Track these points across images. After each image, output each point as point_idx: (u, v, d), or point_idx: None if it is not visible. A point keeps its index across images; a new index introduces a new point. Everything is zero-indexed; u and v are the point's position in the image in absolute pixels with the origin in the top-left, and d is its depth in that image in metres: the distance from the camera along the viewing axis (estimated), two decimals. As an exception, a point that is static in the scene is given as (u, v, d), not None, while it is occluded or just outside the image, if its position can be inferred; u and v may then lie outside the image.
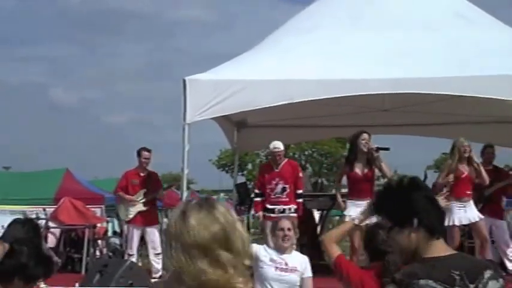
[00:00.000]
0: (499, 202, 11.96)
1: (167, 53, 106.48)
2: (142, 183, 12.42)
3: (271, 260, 6.92)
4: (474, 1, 12.39)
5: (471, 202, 10.64)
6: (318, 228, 13.99)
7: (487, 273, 2.82)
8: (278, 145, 11.27)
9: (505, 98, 10.59)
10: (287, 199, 10.92)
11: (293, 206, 10.96)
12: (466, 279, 2.78)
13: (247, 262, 2.54)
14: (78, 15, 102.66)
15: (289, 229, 7.00)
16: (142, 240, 12.81)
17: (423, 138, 17.80)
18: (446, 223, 10.37)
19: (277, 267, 6.90)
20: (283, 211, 10.77)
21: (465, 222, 10.52)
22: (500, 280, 2.87)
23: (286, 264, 6.95)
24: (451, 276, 2.77)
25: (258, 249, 7.01)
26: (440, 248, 2.89)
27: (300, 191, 11.24)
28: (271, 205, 10.88)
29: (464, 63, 10.24)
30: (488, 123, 14.44)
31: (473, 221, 10.53)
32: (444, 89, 10.02)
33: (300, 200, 11.19)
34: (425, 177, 13.34)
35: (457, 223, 10.45)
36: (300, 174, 11.45)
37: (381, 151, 10.32)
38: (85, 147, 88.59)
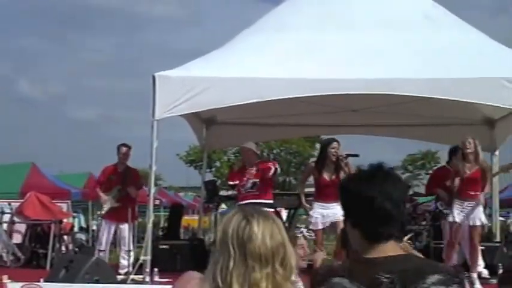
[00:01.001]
0: None
1: (136, 48, 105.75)
2: (119, 179, 12.34)
3: None
4: (439, 2, 12.49)
5: (477, 204, 10.36)
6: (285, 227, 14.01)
7: (432, 278, 2.53)
8: (247, 146, 11.19)
9: (472, 101, 10.70)
10: (257, 193, 10.83)
11: (264, 201, 10.74)
12: (398, 283, 2.51)
13: (293, 278, 2.53)
14: (47, 9, 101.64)
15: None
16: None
17: (391, 139, 17.94)
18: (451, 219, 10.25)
19: None
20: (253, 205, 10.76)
21: (458, 220, 10.36)
22: (454, 286, 2.54)
23: None
24: (376, 279, 2.52)
25: None
26: (383, 250, 2.63)
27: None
28: (242, 201, 10.79)
29: (432, 65, 10.34)
30: (455, 125, 14.57)
31: (470, 224, 10.34)
32: (412, 90, 10.10)
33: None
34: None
35: (450, 219, 10.44)
36: (270, 173, 11.23)
37: (350, 157, 10.40)
38: (51, 141, 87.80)
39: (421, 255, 2.99)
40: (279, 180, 49.03)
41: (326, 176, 10.37)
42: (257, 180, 10.83)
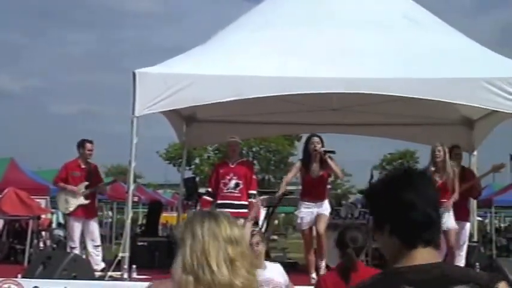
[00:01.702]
0: (465, 204, 11.81)
1: (116, 43, 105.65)
2: (84, 175, 12.21)
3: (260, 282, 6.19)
4: (419, 2, 12.56)
5: (447, 210, 10.35)
6: (264, 225, 14.04)
7: None
8: (234, 137, 11.20)
9: (451, 101, 10.76)
10: (239, 194, 10.78)
11: (244, 203, 10.82)
12: None
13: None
14: (25, 3, 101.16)
15: (257, 243, 6.26)
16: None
17: (370, 138, 18.01)
18: None
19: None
20: (233, 206, 10.70)
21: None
22: None
23: (267, 281, 6.19)
24: None
25: None
26: (417, 257, 2.53)
27: (253, 192, 11.08)
28: (223, 200, 10.76)
29: (412, 65, 10.38)
30: (433, 124, 14.68)
31: (444, 228, 10.16)
32: (392, 90, 10.14)
33: (254, 200, 10.99)
34: (372, 177, 13.45)
35: None
36: (254, 176, 11.30)
37: (328, 154, 10.36)
38: (30, 136, 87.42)
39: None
40: (258, 178, 49.09)
41: (312, 173, 10.33)
42: (240, 181, 10.84)
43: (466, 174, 11.69)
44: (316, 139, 10.36)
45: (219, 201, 10.75)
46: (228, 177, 10.86)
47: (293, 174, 10.99)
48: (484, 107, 10.88)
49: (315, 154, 10.25)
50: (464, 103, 10.86)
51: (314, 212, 10.21)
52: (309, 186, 10.39)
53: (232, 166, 10.98)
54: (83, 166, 12.24)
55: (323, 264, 10.18)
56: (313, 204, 10.25)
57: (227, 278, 2.49)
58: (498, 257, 17.91)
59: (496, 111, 11.20)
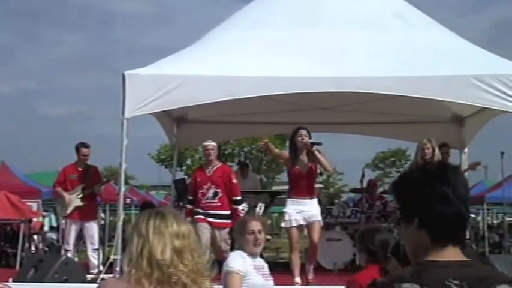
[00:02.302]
0: None
1: (106, 44, 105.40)
2: (80, 178, 12.22)
3: (255, 267, 5.93)
4: (413, 2, 12.58)
5: None
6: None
7: (502, 287, 2.40)
8: (210, 141, 11.07)
9: (441, 98, 10.77)
10: (219, 204, 10.65)
11: (226, 212, 10.70)
12: None
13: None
14: (17, 4, 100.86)
15: (259, 231, 6.01)
16: (80, 235, 12.64)
17: (361, 137, 18.03)
18: None
19: (263, 275, 6.01)
20: (214, 216, 10.61)
21: None
22: None
23: (264, 269, 6.07)
24: (446, 285, 2.39)
25: (241, 256, 5.95)
26: (446, 254, 2.49)
27: (238, 198, 10.95)
28: (203, 211, 10.61)
29: (402, 63, 10.39)
30: (424, 122, 14.70)
31: None
32: (382, 88, 10.14)
33: (239, 207, 10.87)
34: (363, 175, 13.49)
35: None
36: (234, 181, 11.05)
37: (315, 145, 10.15)
38: (21, 139, 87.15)
39: None
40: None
41: (299, 167, 10.03)
42: (219, 190, 10.71)
43: None
44: (303, 132, 10.07)
45: (199, 211, 10.63)
46: (206, 187, 10.72)
47: (281, 154, 10.92)
48: (474, 104, 10.91)
49: (302, 147, 9.99)
50: (454, 100, 10.86)
51: (302, 213, 9.88)
52: (297, 180, 10.05)
53: (209, 174, 10.84)
54: (79, 169, 12.29)
55: (311, 268, 10.02)
56: (301, 201, 9.93)
57: (173, 264, 2.77)
58: (490, 253, 17.95)
59: (486, 108, 11.23)
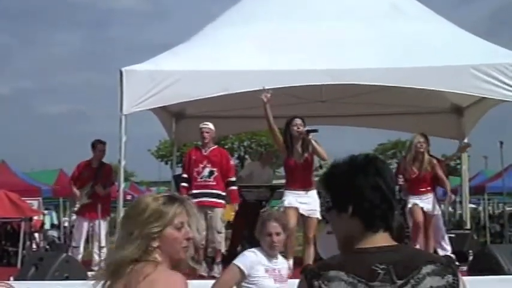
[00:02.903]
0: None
1: (103, 42, 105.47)
2: (92, 175, 12.22)
3: (267, 269, 5.65)
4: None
5: (428, 195, 10.83)
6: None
7: (427, 268, 2.52)
8: (206, 123, 10.94)
9: (440, 89, 10.77)
10: (214, 183, 10.50)
11: (220, 192, 10.57)
12: (393, 274, 2.49)
13: None
14: (11, 4, 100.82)
15: (277, 233, 5.70)
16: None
17: (361, 129, 18.01)
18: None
19: (275, 279, 5.70)
20: (208, 195, 10.45)
21: (421, 205, 10.71)
22: (448, 276, 2.53)
23: (279, 272, 5.75)
24: (372, 270, 2.49)
25: (252, 255, 5.69)
26: (377, 240, 2.60)
27: (233, 179, 10.85)
28: (198, 189, 10.44)
29: (400, 54, 10.38)
30: (423, 113, 14.68)
31: (425, 210, 10.70)
32: (381, 80, 10.13)
33: (234, 188, 10.78)
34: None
35: (409, 205, 10.79)
36: (231, 162, 11.10)
37: (311, 133, 10.00)
38: (20, 138, 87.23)
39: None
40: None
41: (295, 157, 9.85)
42: (215, 169, 10.62)
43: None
44: (298, 121, 9.88)
45: (194, 191, 10.38)
46: (202, 165, 10.60)
47: (278, 135, 10.22)
48: (473, 94, 10.90)
49: (298, 136, 9.81)
50: (453, 91, 10.89)
51: (303, 205, 9.68)
52: (294, 171, 9.89)
53: (205, 154, 10.73)
54: (93, 166, 12.28)
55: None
56: (300, 192, 9.74)
57: None
58: (492, 243, 17.95)
59: (485, 98, 11.22)
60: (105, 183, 12.30)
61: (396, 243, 2.64)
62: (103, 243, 12.01)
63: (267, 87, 9.76)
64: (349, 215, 2.63)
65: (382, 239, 2.61)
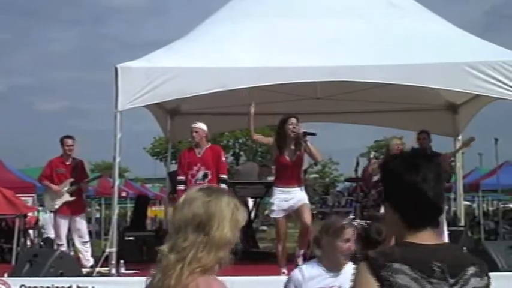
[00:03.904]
0: None
1: (99, 39, 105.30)
2: (69, 172, 12.13)
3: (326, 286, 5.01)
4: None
5: None
6: (252, 216, 14.06)
7: (471, 270, 2.61)
8: (196, 123, 10.96)
9: (435, 86, 10.79)
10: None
11: None
12: (447, 273, 2.57)
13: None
14: (8, 1, 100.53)
15: (347, 240, 5.04)
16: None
17: (356, 126, 18.03)
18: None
19: None
20: None
21: None
22: (485, 278, 2.64)
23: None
24: (430, 267, 2.56)
25: (307, 271, 5.06)
26: (423, 237, 2.65)
27: (224, 176, 10.89)
28: None
29: (395, 51, 10.38)
30: (418, 110, 14.70)
31: None
32: (376, 77, 10.13)
33: (223, 186, 10.60)
34: (357, 164, 13.50)
35: None
36: (223, 159, 11.14)
37: (308, 136, 10.04)
38: (16, 134, 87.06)
39: None
40: (246, 169, 48.94)
41: (286, 155, 9.83)
42: (209, 171, 10.69)
43: None
44: (294, 120, 9.87)
45: None
46: (196, 168, 10.71)
47: (266, 141, 10.66)
48: (467, 91, 10.93)
49: (293, 136, 9.80)
50: (448, 88, 10.90)
51: (290, 201, 9.70)
52: (284, 169, 9.89)
53: (199, 156, 10.80)
54: (67, 163, 12.18)
55: (301, 252, 9.70)
56: (289, 190, 9.75)
57: None
58: (486, 240, 18.01)
59: (480, 95, 11.24)
60: (83, 178, 12.26)
61: (444, 242, 2.76)
62: (86, 238, 12.00)
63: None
64: (393, 210, 2.70)
65: (429, 237, 2.66)
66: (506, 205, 30.82)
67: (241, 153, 50.38)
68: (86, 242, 11.91)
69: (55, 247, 11.89)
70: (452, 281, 2.56)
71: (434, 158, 2.83)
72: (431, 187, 2.65)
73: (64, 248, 11.73)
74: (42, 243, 16.47)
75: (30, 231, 16.69)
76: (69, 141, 12.19)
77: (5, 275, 9.26)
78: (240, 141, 50.42)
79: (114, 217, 10.46)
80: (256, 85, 10.43)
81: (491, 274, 2.73)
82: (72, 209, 11.98)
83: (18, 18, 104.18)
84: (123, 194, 26.30)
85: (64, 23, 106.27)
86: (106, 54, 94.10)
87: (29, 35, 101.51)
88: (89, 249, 11.86)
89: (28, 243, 15.60)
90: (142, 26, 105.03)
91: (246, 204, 14.03)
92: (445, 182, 2.87)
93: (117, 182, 10.61)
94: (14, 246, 13.95)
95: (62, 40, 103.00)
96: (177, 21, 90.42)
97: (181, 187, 10.74)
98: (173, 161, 19.22)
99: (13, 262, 12.73)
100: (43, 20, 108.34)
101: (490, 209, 33.42)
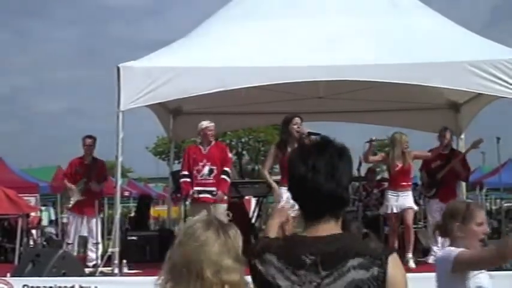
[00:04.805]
0: (452, 186, 11.95)
1: (99, 39, 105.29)
2: (85, 171, 12.21)
3: None
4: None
5: (407, 192, 10.83)
6: (254, 215, 14.06)
7: (354, 261, 2.53)
8: (208, 122, 11.01)
9: (437, 85, 10.77)
10: (214, 181, 10.63)
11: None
12: (320, 265, 2.54)
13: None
14: (8, 1, 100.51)
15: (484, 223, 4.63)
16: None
17: (358, 125, 17.98)
18: (384, 210, 10.87)
19: None
20: (209, 192, 10.58)
21: (396, 210, 10.70)
22: (374, 269, 2.53)
23: None
24: (300, 259, 2.56)
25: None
26: (318, 229, 2.62)
27: (227, 169, 10.90)
28: (199, 187, 10.62)
29: (396, 50, 10.36)
30: (420, 110, 14.68)
31: (403, 208, 10.70)
32: (377, 76, 10.12)
33: (225, 177, 10.80)
34: (360, 163, 13.45)
35: (389, 211, 10.71)
36: (229, 155, 11.26)
37: (312, 136, 10.02)
38: (17, 135, 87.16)
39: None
40: (248, 168, 49.02)
41: None
42: (214, 167, 10.72)
43: (454, 156, 11.85)
44: (298, 120, 9.97)
45: (196, 188, 10.65)
46: (202, 164, 10.74)
47: (271, 162, 10.62)
48: (469, 90, 10.92)
49: (297, 135, 9.83)
50: (450, 87, 10.88)
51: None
52: (286, 169, 9.87)
53: (204, 152, 10.84)
54: (86, 162, 12.27)
55: None
56: None
57: None
58: (489, 239, 17.93)
59: (482, 94, 11.23)
60: (99, 179, 12.29)
61: (337, 233, 2.64)
62: (98, 240, 12.02)
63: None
64: (297, 201, 2.71)
65: (325, 229, 2.63)
66: (509, 204, 30.73)
67: (244, 152, 50.32)
68: (97, 243, 11.91)
69: (64, 246, 11.93)
70: (324, 273, 2.54)
71: (330, 147, 2.72)
72: (323, 178, 2.61)
73: (73, 247, 11.79)
74: (45, 243, 16.46)
75: (33, 231, 16.67)
76: (88, 141, 12.30)
77: (8, 274, 9.28)
78: (243, 140, 50.35)
79: (117, 217, 10.47)
80: (257, 85, 10.44)
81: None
82: (84, 208, 12.03)
83: (18, 18, 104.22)
84: (126, 193, 26.29)
85: (64, 23, 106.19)
86: (106, 54, 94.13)
87: (29, 35, 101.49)
88: (98, 251, 11.82)
89: (31, 243, 15.59)
90: (143, 26, 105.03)
91: (243, 205, 14.04)
92: (348, 171, 2.73)
93: (120, 182, 10.61)
94: (17, 246, 13.94)
95: (62, 40, 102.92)
96: (178, 21, 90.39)
97: (187, 180, 10.82)
98: (176, 161, 19.25)
99: (16, 262, 12.75)
100: (43, 20, 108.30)
101: (493, 207, 33.34)
